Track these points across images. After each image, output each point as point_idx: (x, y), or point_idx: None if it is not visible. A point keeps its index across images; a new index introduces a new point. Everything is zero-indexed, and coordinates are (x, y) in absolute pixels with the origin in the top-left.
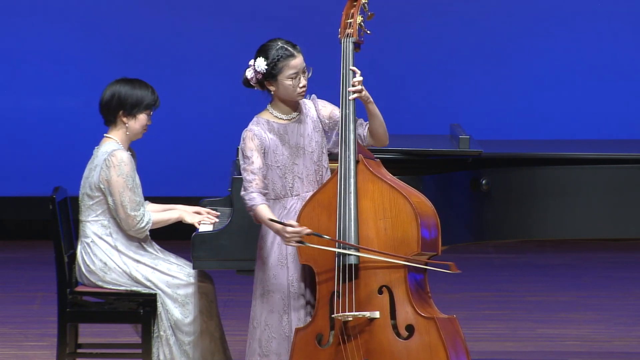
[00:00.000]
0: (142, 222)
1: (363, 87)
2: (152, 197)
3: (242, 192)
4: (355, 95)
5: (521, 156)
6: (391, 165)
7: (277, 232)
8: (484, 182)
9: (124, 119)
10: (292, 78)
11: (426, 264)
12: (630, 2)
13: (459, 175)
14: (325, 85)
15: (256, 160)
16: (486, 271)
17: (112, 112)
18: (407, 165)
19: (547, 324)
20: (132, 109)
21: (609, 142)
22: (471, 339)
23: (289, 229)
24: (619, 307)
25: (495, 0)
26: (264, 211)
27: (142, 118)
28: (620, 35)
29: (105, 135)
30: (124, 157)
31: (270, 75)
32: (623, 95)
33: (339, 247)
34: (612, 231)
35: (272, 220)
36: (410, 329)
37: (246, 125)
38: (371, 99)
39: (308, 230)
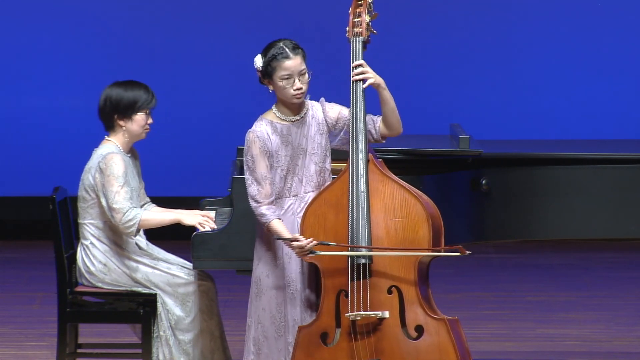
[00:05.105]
0: (128, 216)
1: (371, 72)
2: (152, 197)
3: (253, 204)
4: (365, 80)
5: (521, 156)
6: (391, 165)
7: (289, 247)
8: (484, 182)
9: (121, 122)
10: (284, 79)
11: (438, 251)
12: (631, 2)
13: (459, 175)
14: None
15: (261, 167)
16: (486, 271)
17: (107, 117)
18: (407, 165)
19: (547, 324)
20: (126, 111)
21: (609, 142)
22: (471, 339)
23: (294, 244)
24: (619, 307)
25: (495, 0)
26: (276, 227)
27: (138, 119)
28: (620, 35)
29: (105, 137)
30: (116, 160)
31: (266, 73)
32: (623, 95)
33: (351, 250)
34: (612, 231)
35: (278, 238)
36: (419, 329)
37: (246, 125)
38: (383, 85)
39: (313, 243)
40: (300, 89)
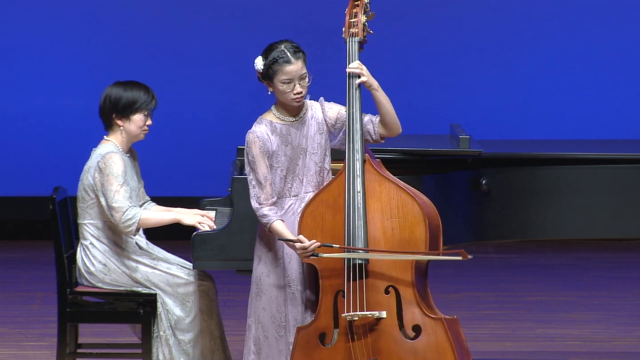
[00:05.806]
0: (127, 215)
1: (365, 71)
2: (152, 197)
3: (255, 206)
4: (359, 80)
5: (521, 156)
6: (391, 165)
7: (292, 248)
8: (484, 182)
9: (119, 122)
10: (285, 83)
11: (439, 255)
12: (630, 2)
13: (459, 175)
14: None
15: (262, 168)
16: (486, 271)
17: (106, 116)
18: (407, 165)
19: (547, 324)
20: (124, 111)
21: (609, 142)
22: (471, 339)
23: (297, 245)
24: (619, 307)
25: (495, 0)
26: (278, 228)
27: (136, 119)
28: (620, 35)
29: (104, 137)
30: (115, 159)
31: (267, 76)
32: (623, 95)
33: (349, 252)
34: (612, 231)
35: (281, 239)
36: (417, 329)
37: (246, 125)
38: (375, 85)
39: (316, 245)
40: (300, 93)
